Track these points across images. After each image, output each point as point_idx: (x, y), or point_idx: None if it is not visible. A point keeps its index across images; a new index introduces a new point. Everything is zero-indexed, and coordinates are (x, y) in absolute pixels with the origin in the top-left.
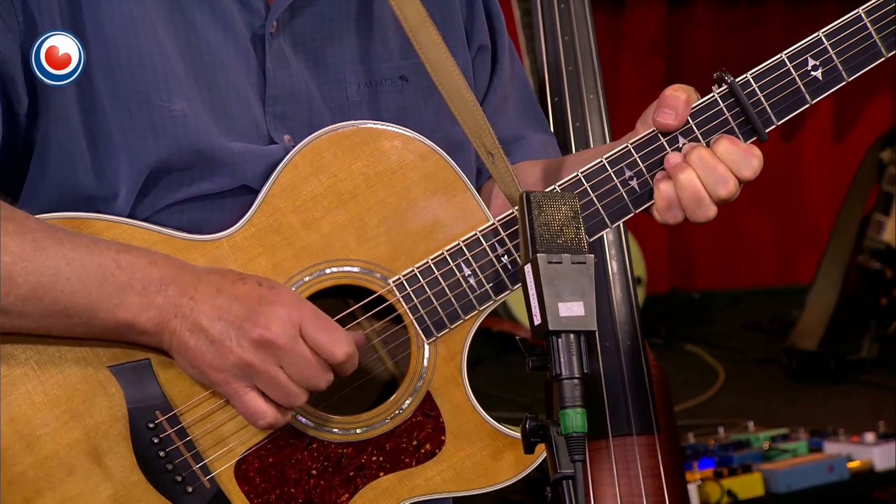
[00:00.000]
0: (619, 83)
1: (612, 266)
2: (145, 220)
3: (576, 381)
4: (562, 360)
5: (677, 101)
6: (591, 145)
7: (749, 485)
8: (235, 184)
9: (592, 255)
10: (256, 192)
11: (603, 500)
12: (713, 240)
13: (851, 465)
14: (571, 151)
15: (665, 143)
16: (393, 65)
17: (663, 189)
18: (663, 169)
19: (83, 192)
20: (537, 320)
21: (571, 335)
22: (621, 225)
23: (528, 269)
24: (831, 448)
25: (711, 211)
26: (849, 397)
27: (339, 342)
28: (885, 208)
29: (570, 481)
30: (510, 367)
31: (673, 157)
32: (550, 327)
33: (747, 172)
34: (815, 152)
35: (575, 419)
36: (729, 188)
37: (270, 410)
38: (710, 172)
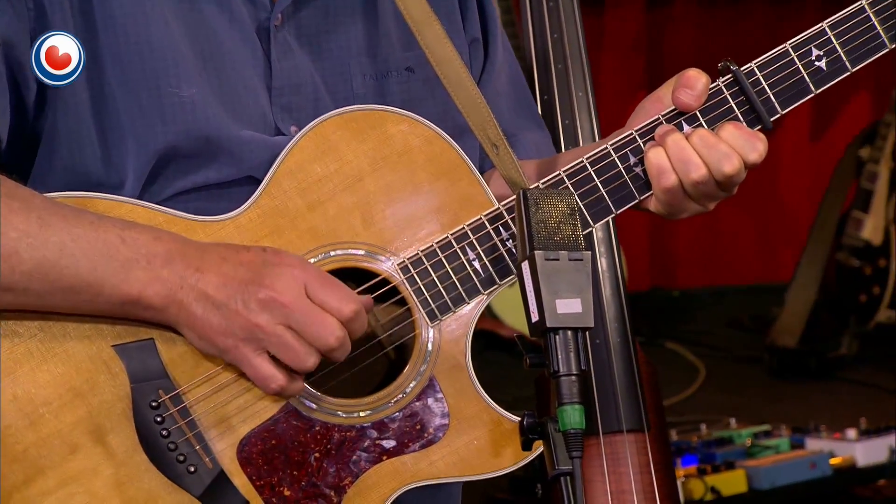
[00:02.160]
0: (599, 82)
1: (602, 263)
2: None
3: (574, 377)
4: (560, 356)
5: (698, 81)
6: (581, 143)
7: (732, 481)
8: (241, 174)
9: (589, 253)
10: (260, 182)
11: (594, 497)
12: (693, 238)
13: (834, 461)
14: (561, 149)
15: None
16: (398, 57)
17: (651, 155)
18: (639, 131)
19: (91, 179)
20: (535, 317)
21: (569, 332)
22: (611, 222)
23: (525, 266)
24: (813, 444)
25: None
26: (829, 394)
27: (346, 299)
28: (864, 205)
29: (569, 478)
30: (491, 366)
31: (661, 128)
32: (548, 324)
33: (753, 156)
34: (794, 150)
35: (573, 416)
36: (734, 163)
37: (280, 374)
38: (713, 150)
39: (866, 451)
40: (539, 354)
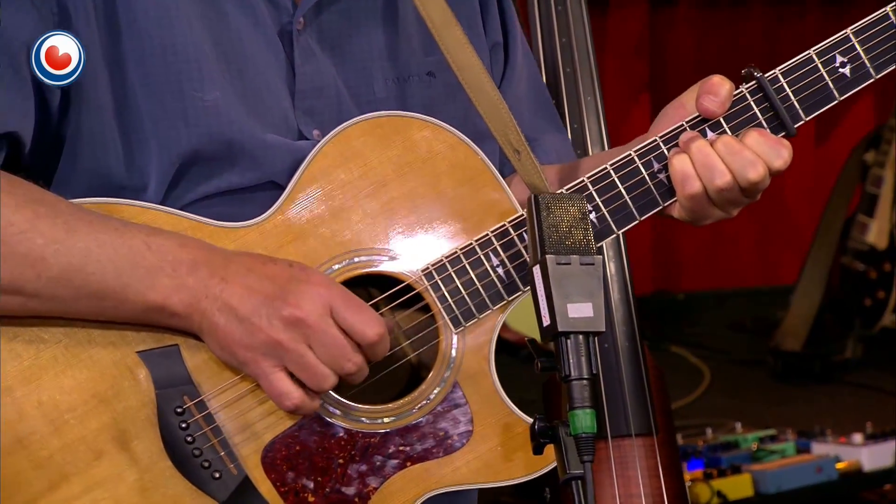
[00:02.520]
0: (602, 84)
1: (610, 267)
2: None
3: (585, 381)
4: (571, 361)
5: (721, 88)
6: (589, 147)
7: (738, 486)
8: (263, 178)
9: (601, 257)
10: (283, 188)
11: (602, 501)
12: (697, 242)
13: (840, 465)
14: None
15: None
16: (419, 61)
17: (676, 161)
18: (663, 138)
19: (114, 183)
20: (546, 321)
21: (580, 336)
22: None
23: (536, 270)
24: (819, 449)
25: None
26: (834, 398)
27: (370, 323)
28: (869, 210)
29: (580, 482)
30: (496, 369)
31: (685, 135)
32: (559, 328)
33: (778, 163)
34: (797, 154)
35: (584, 420)
36: (758, 170)
37: (297, 392)
38: (737, 157)
39: (872, 456)
40: (550, 358)
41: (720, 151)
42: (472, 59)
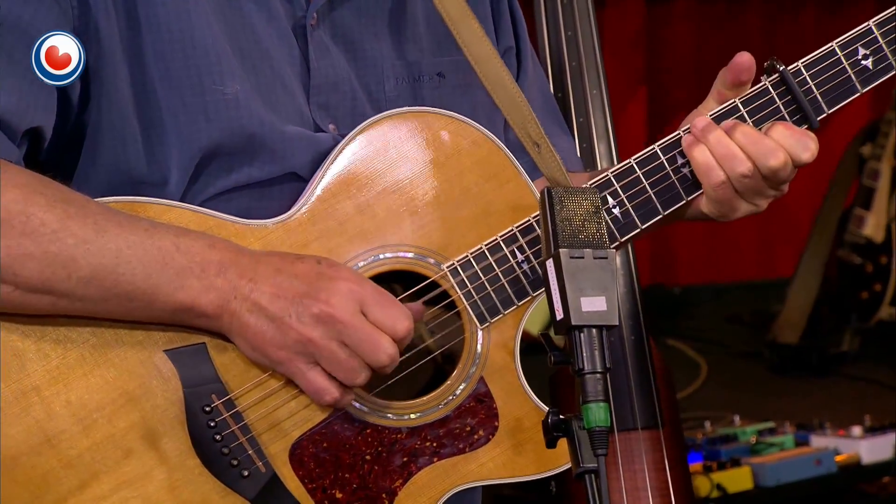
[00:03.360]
0: None
1: (616, 261)
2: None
3: (598, 375)
4: (584, 354)
5: (741, 57)
6: (595, 141)
7: (738, 479)
8: (284, 171)
9: (614, 251)
10: (304, 181)
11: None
12: (694, 235)
13: (839, 458)
14: (575, 146)
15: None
16: (429, 61)
17: (697, 153)
18: (687, 131)
19: (134, 177)
20: (559, 315)
21: (594, 330)
22: None
23: (549, 264)
24: (818, 441)
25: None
26: (831, 390)
27: (400, 317)
28: (866, 203)
29: (594, 475)
30: None
31: (699, 123)
32: (573, 322)
33: (805, 155)
34: None
35: (598, 413)
36: (779, 157)
37: (333, 387)
38: (758, 145)
39: (871, 449)
40: (563, 352)
41: (739, 141)
42: (489, 52)
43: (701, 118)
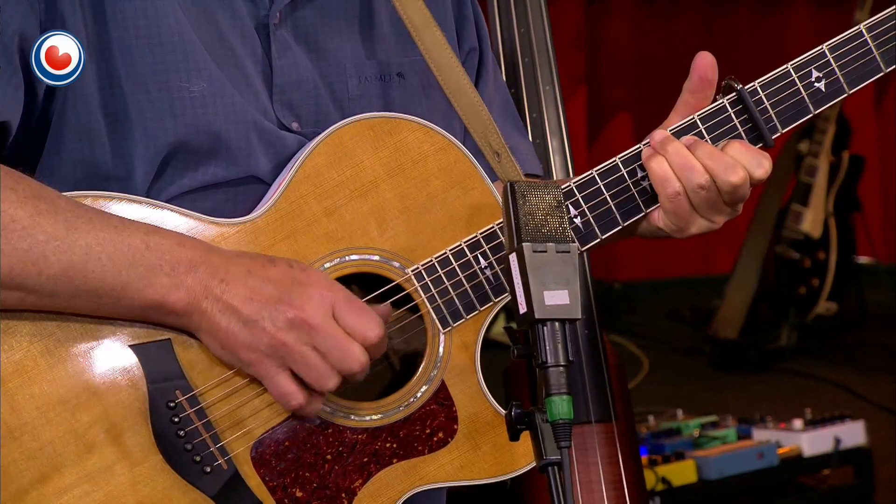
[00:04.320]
0: None
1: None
2: None
3: (561, 368)
4: (547, 347)
5: (703, 58)
6: (548, 136)
7: (682, 472)
8: (248, 171)
9: (577, 244)
10: (265, 183)
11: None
12: None
13: (781, 451)
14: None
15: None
16: (392, 61)
17: (654, 164)
18: (648, 145)
19: (100, 172)
20: (522, 309)
21: (557, 323)
22: None
23: (513, 258)
24: (760, 435)
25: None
26: (769, 384)
27: (371, 324)
28: (803, 199)
29: (557, 467)
30: None
31: (657, 136)
32: (536, 315)
33: (759, 172)
34: None
35: (561, 406)
36: (739, 174)
37: (301, 392)
38: (717, 161)
39: (812, 442)
40: (525, 346)
41: (700, 156)
42: (451, 61)
43: (660, 131)
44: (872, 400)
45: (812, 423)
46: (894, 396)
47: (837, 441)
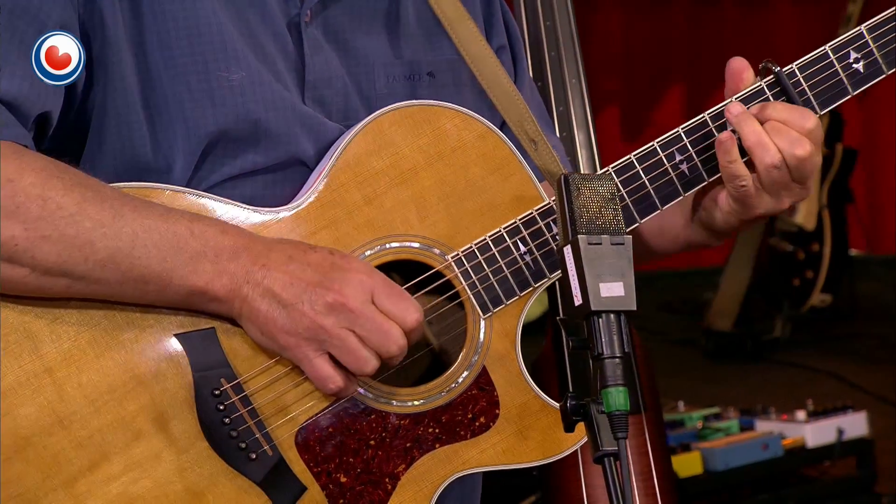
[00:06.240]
0: None
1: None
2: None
3: (618, 360)
4: (603, 339)
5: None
6: (574, 130)
7: (688, 463)
8: (288, 156)
9: (630, 237)
10: (308, 167)
11: (591, 479)
12: None
13: (785, 442)
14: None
15: (714, 128)
16: (420, 60)
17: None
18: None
19: (140, 164)
20: (578, 301)
21: (612, 315)
22: None
23: (567, 250)
24: (763, 426)
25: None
26: (765, 376)
27: (410, 308)
28: None
29: (613, 458)
30: None
31: (734, 108)
32: (592, 307)
33: (799, 150)
34: None
35: (618, 397)
36: (806, 148)
37: (339, 375)
38: (785, 136)
39: (815, 433)
40: (580, 337)
41: (769, 131)
42: (485, 52)
43: (734, 106)
44: (868, 390)
45: (815, 415)
46: (889, 386)
47: (840, 432)
